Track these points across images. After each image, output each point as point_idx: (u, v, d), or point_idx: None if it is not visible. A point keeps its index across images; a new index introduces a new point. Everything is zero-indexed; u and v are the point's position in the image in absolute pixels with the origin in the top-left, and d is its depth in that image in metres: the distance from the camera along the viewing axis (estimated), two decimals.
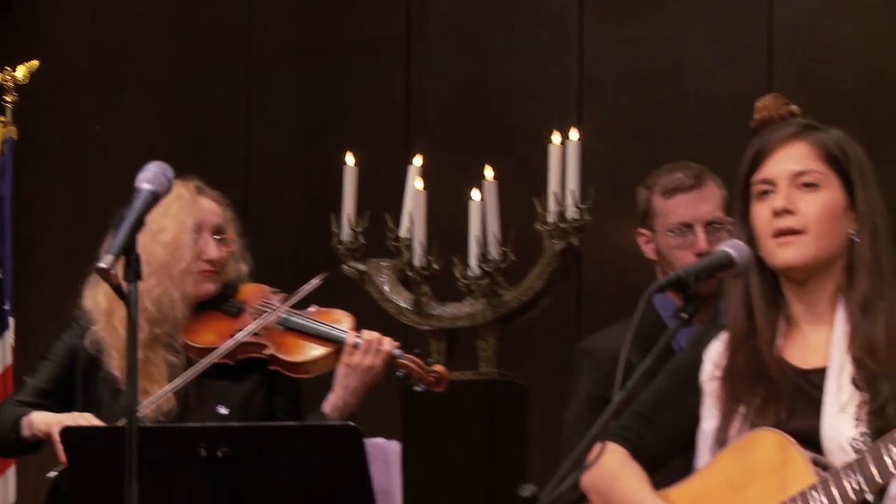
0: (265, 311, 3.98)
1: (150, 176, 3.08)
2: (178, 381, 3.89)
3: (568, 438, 4.08)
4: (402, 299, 5.46)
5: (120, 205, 3.15)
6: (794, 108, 3.76)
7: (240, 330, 3.96)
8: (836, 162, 2.97)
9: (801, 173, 2.96)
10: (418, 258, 5.37)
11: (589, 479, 3.01)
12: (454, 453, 5.32)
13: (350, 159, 5.42)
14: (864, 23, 6.40)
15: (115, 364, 3.96)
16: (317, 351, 3.91)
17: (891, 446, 2.72)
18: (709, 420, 2.99)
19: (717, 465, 2.94)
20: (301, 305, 4.10)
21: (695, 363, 3.05)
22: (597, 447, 2.86)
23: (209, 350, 3.96)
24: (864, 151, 3.01)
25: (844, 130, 3.08)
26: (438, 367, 3.81)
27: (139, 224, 2.99)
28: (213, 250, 4.00)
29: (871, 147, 3.12)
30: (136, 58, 7.48)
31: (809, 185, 2.95)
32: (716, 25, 6.65)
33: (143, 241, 3.99)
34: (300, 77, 7.27)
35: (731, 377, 2.97)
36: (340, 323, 3.97)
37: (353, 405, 3.80)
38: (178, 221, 3.97)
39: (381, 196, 5.60)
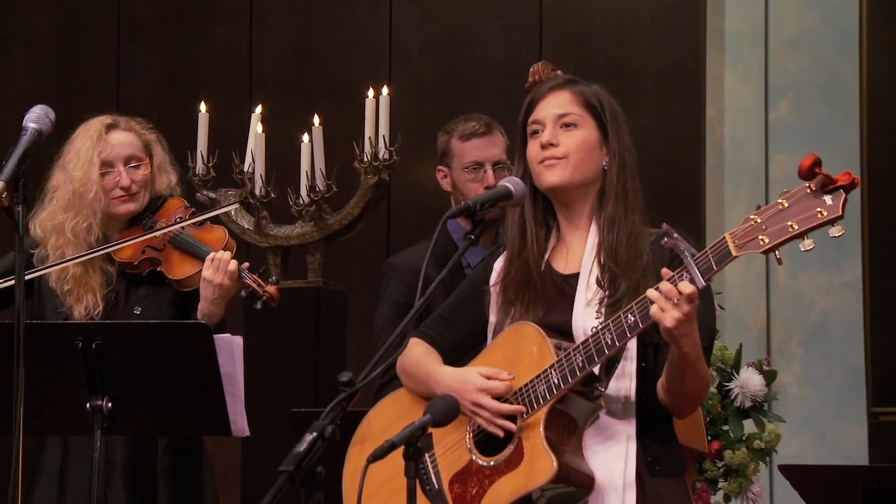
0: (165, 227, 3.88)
1: (34, 117, 3.00)
2: (66, 262, 3.82)
3: (378, 336, 4.09)
4: (246, 221, 5.43)
5: (11, 143, 3.07)
6: (558, 72, 3.81)
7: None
8: (592, 108, 2.99)
9: (563, 115, 2.98)
10: (259, 188, 5.35)
11: (400, 365, 3.05)
12: (287, 346, 5.31)
13: (203, 107, 5.37)
14: (612, 5, 6.50)
15: (52, 277, 3.87)
16: (190, 267, 3.82)
17: (605, 332, 2.78)
18: (492, 315, 3.02)
19: (493, 350, 2.98)
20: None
21: (486, 275, 3.07)
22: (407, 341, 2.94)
23: (126, 261, 3.87)
24: (617, 102, 3.05)
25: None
26: (271, 289, 3.76)
27: (26, 156, 2.92)
28: (124, 179, 3.89)
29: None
30: (22, 19, 7.30)
31: (569, 125, 2.97)
32: (498, 4, 6.70)
33: (59, 179, 3.91)
34: (161, 39, 7.17)
35: (506, 284, 3.00)
36: (211, 241, 3.84)
37: (216, 313, 3.74)
38: (86, 159, 3.85)
39: (229, 138, 5.55)
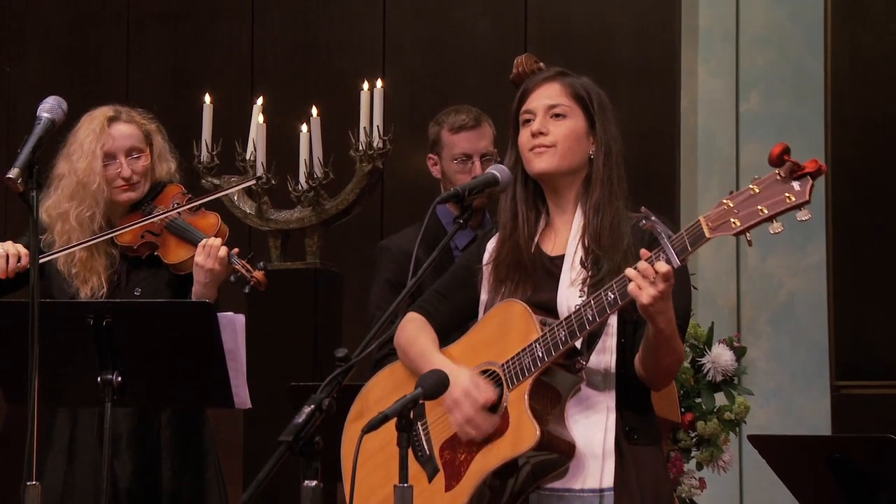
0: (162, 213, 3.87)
1: (47, 107, 3.00)
2: (71, 247, 3.81)
3: (372, 314, 4.09)
4: (248, 206, 5.42)
5: (25, 131, 3.05)
6: (541, 65, 3.79)
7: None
8: (580, 99, 2.99)
9: (553, 106, 2.97)
10: (260, 175, 5.32)
11: (396, 338, 3.05)
12: (286, 324, 5.30)
13: (207, 99, 5.34)
14: (592, 3, 6.49)
15: (60, 260, 3.86)
16: (184, 252, 3.81)
17: (587, 309, 2.78)
18: (484, 293, 3.02)
19: (483, 325, 2.98)
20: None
21: (480, 255, 3.06)
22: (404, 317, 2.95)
23: (126, 245, 3.86)
24: (605, 93, 3.04)
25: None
26: (258, 274, 3.74)
27: (39, 144, 2.91)
28: (125, 170, 3.87)
29: None
30: (39, 15, 7.27)
31: (559, 116, 2.97)
32: (485, 2, 6.68)
33: (64, 169, 3.89)
34: (168, 34, 7.15)
35: (497, 263, 3.00)
36: (205, 227, 3.83)
37: (209, 296, 3.72)
38: (89, 151, 3.84)
39: (232, 127, 5.53)
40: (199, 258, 3.69)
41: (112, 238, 3.86)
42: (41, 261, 3.77)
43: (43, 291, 3.86)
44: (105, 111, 3.92)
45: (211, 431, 3.93)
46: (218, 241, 3.71)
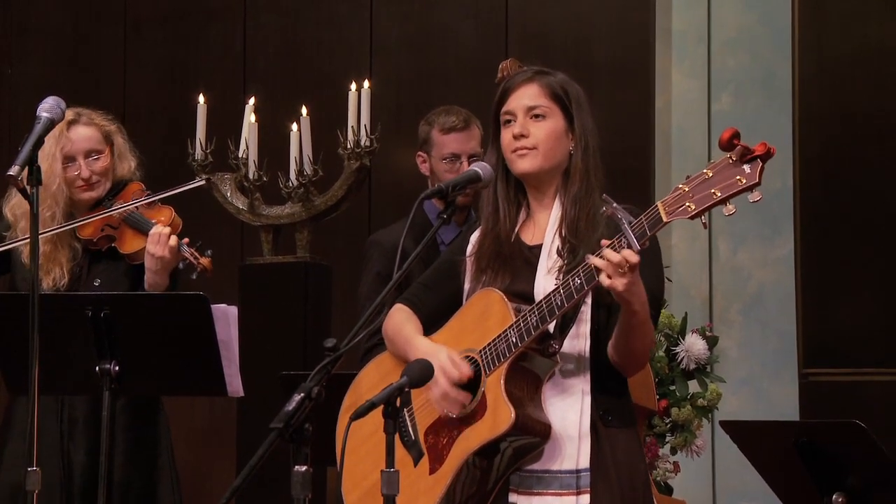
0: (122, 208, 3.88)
1: (47, 106, 3.01)
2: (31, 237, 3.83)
3: (362, 305, 4.08)
4: (240, 202, 5.40)
5: (26, 130, 3.04)
6: (524, 68, 3.79)
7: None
8: (558, 98, 2.98)
9: (532, 107, 2.97)
10: (252, 172, 5.32)
11: (384, 328, 3.05)
12: (277, 315, 5.29)
13: (201, 99, 5.33)
14: (570, 7, 6.49)
15: (24, 253, 3.86)
16: (139, 242, 3.81)
17: (556, 295, 2.78)
18: (467, 283, 3.02)
19: (463, 313, 2.98)
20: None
21: (463, 247, 3.06)
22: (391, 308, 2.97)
23: (87, 238, 3.88)
24: (581, 89, 3.04)
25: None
26: (205, 261, 3.75)
27: (39, 143, 2.91)
28: (84, 171, 3.88)
29: None
30: (39, 17, 7.25)
31: (538, 116, 2.97)
32: (468, 5, 6.67)
33: None
34: (164, 35, 7.12)
35: (480, 255, 3.00)
36: (157, 218, 3.83)
37: (160, 283, 3.73)
38: (49, 154, 3.84)
39: (225, 126, 5.51)
40: (150, 246, 3.72)
41: (74, 232, 3.88)
42: (2, 249, 3.80)
43: (8, 282, 3.91)
44: (66, 115, 3.92)
45: (166, 418, 3.95)
46: (167, 229, 3.72)
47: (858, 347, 5.53)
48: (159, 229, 3.72)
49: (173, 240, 3.71)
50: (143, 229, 3.80)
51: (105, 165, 3.91)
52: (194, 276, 3.72)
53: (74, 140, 3.88)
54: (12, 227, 3.89)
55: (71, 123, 3.89)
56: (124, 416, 3.81)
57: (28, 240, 3.78)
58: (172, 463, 3.91)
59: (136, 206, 3.85)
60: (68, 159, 3.88)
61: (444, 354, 2.88)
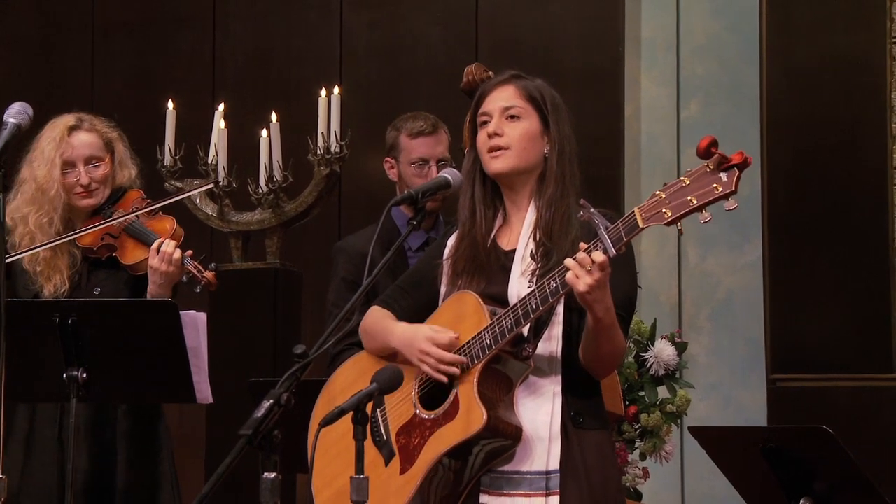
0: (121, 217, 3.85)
1: (13, 112, 2.98)
2: (36, 248, 3.80)
3: (329, 312, 4.08)
4: (210, 209, 5.39)
5: None
6: (490, 74, 3.79)
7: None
8: (534, 100, 3.00)
9: (508, 108, 2.98)
10: (221, 178, 5.30)
11: (362, 326, 3.05)
12: (247, 322, 5.28)
13: (170, 105, 5.32)
14: (540, 15, 6.51)
15: (25, 260, 3.83)
16: (140, 254, 3.78)
17: (531, 298, 2.79)
18: (443, 287, 3.03)
19: (437, 315, 2.98)
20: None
21: (441, 251, 3.07)
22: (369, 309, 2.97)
23: (87, 246, 3.84)
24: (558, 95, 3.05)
25: None
26: (209, 274, 3.73)
27: (6, 148, 2.90)
28: (83, 178, 3.85)
29: None
30: (7, 23, 7.21)
31: (514, 117, 2.98)
32: (437, 12, 6.68)
33: (26, 174, 3.88)
34: (132, 42, 7.10)
35: (456, 259, 3.01)
36: (160, 231, 3.81)
37: (164, 295, 3.71)
38: (49, 159, 3.83)
39: (194, 132, 5.50)
40: (154, 261, 3.68)
41: (73, 240, 3.84)
42: (7, 260, 3.75)
43: (8, 290, 3.86)
44: (67, 120, 3.90)
45: (166, 424, 3.91)
46: (172, 244, 3.70)
47: (826, 353, 5.56)
48: (164, 244, 3.69)
49: (177, 253, 3.69)
50: (144, 240, 3.77)
51: (105, 173, 3.88)
52: (198, 290, 3.69)
53: (75, 146, 3.85)
54: (11, 231, 3.83)
55: (72, 129, 3.86)
56: (126, 422, 3.79)
57: (32, 250, 3.77)
58: (173, 469, 3.87)
59: (136, 216, 3.82)
60: (68, 165, 3.84)
61: (426, 327, 2.90)
